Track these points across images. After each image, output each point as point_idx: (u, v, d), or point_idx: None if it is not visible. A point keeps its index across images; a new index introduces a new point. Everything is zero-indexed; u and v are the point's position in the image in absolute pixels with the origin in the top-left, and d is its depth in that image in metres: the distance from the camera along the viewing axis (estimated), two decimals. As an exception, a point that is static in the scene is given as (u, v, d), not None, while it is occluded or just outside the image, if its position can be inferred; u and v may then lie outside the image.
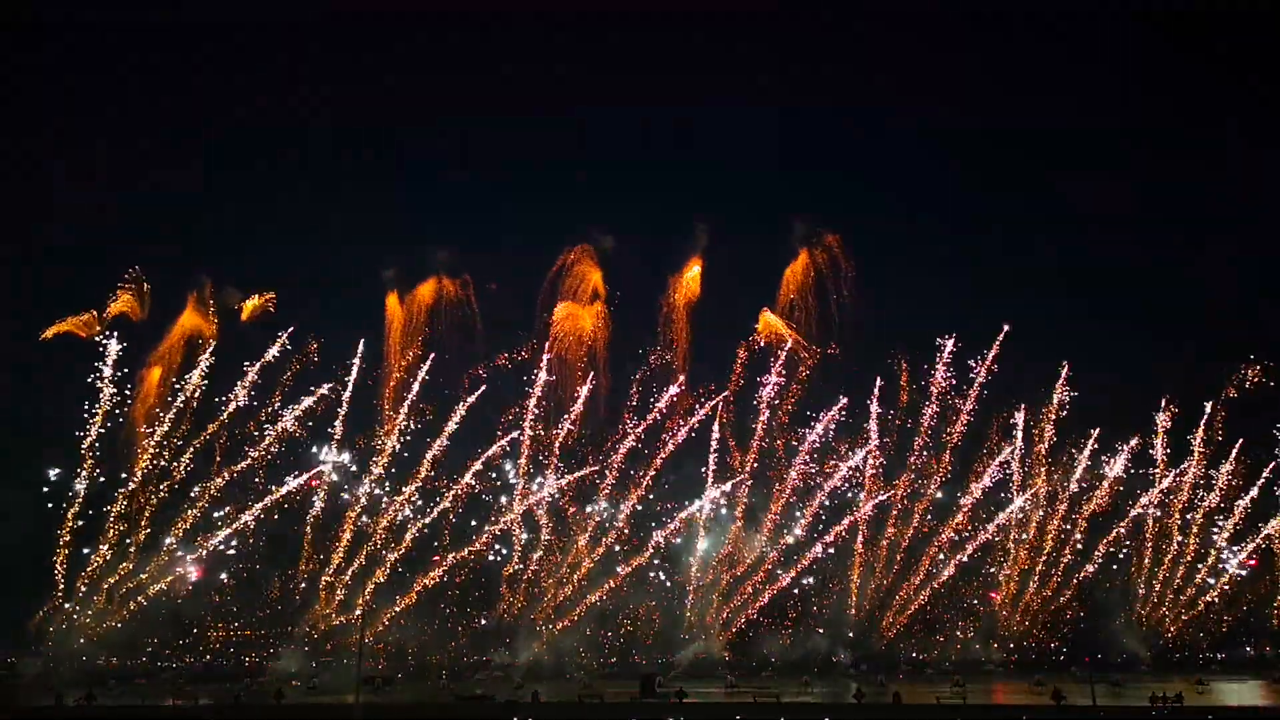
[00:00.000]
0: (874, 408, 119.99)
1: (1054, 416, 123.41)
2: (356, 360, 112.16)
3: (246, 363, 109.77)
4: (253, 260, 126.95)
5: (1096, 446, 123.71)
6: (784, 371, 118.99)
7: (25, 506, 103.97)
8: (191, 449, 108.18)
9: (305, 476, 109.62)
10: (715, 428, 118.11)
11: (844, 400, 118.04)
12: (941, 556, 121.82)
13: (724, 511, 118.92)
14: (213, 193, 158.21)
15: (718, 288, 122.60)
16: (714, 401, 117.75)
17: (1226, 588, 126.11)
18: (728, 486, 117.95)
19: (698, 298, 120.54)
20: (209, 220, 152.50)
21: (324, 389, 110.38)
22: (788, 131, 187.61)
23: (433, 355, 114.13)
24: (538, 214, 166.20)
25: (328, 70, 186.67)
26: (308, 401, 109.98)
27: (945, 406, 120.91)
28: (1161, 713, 71.63)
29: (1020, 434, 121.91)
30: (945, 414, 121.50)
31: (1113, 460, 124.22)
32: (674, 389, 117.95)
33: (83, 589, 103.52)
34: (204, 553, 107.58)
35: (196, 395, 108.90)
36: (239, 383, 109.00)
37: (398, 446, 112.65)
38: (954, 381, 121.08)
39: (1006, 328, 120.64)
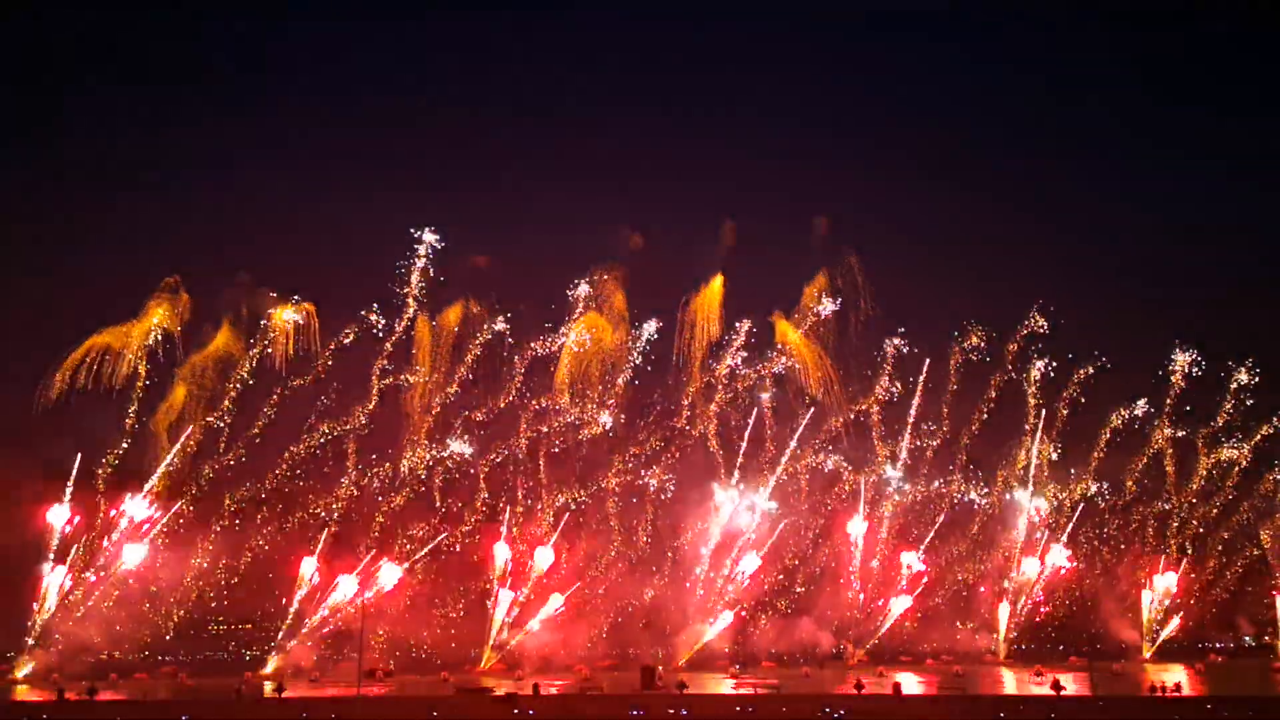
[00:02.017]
0: (875, 411, 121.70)
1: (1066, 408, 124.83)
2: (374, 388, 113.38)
3: (276, 389, 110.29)
4: (284, 269, 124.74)
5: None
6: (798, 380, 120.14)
7: (33, 506, 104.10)
8: (209, 471, 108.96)
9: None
10: (712, 435, 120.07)
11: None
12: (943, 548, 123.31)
13: (732, 505, 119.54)
14: (228, 194, 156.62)
15: (740, 292, 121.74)
16: (713, 411, 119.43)
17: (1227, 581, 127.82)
18: (736, 484, 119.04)
19: (719, 317, 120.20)
20: (228, 224, 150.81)
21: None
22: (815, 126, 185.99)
23: (460, 380, 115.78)
24: (564, 214, 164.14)
25: (339, 69, 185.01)
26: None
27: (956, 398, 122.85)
28: (1160, 701, 71.88)
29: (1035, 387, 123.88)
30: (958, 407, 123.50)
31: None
32: (687, 402, 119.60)
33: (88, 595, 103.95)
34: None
35: (226, 419, 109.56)
36: (265, 406, 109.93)
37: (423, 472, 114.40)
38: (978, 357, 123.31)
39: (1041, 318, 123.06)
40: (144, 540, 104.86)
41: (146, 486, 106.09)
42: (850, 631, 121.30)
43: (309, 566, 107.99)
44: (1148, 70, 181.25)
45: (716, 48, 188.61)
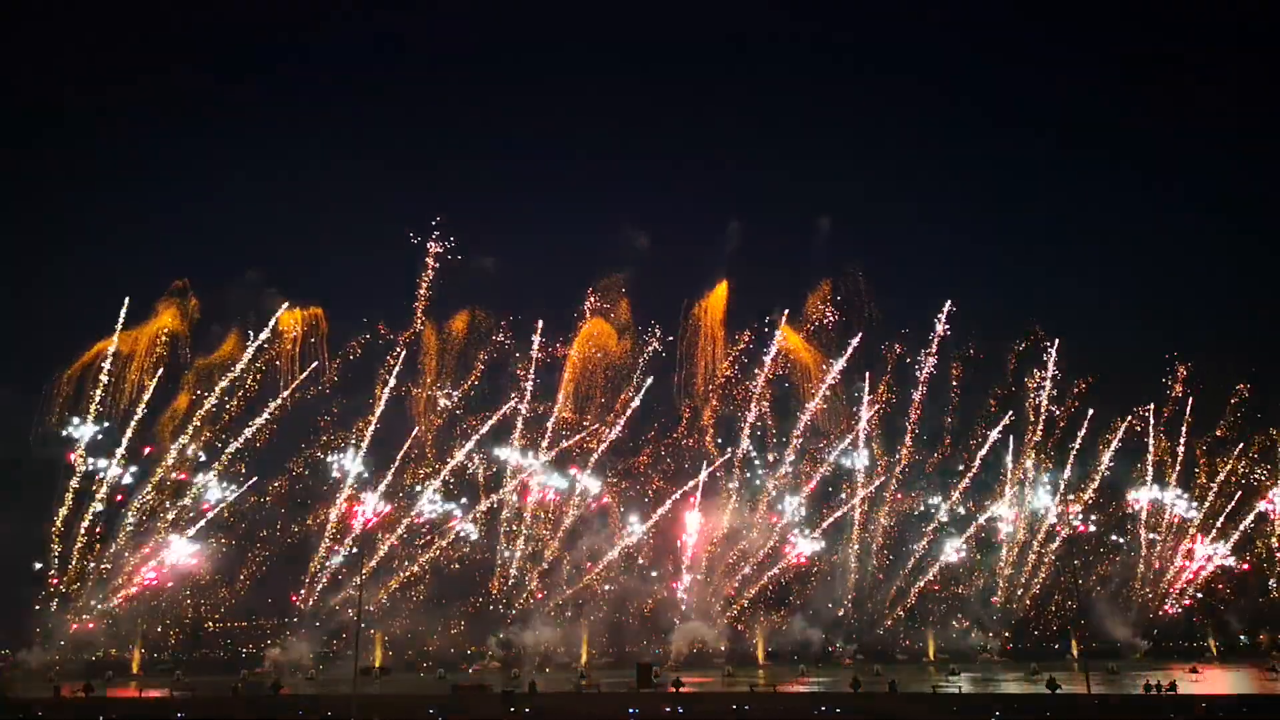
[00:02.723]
0: (865, 400, 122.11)
1: (1047, 396, 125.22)
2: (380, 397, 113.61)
3: (277, 398, 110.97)
4: (290, 274, 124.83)
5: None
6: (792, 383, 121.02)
7: (32, 507, 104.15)
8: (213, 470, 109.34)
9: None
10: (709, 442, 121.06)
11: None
12: (936, 544, 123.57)
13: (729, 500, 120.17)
14: (235, 194, 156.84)
15: (745, 293, 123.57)
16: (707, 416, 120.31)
17: (1221, 578, 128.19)
18: (731, 482, 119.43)
19: (724, 319, 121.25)
20: (232, 228, 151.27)
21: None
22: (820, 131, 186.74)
23: (465, 389, 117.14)
24: (569, 219, 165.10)
25: (341, 71, 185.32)
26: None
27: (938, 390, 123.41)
28: (1156, 700, 72.04)
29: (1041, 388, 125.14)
30: (941, 400, 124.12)
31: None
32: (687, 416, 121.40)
33: (87, 590, 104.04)
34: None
35: (224, 426, 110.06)
36: (267, 411, 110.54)
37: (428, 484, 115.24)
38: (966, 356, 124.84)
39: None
40: (215, 471, 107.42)
41: (190, 423, 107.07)
42: (844, 630, 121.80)
43: (352, 463, 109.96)
44: (1149, 74, 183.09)
45: (720, 50, 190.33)
